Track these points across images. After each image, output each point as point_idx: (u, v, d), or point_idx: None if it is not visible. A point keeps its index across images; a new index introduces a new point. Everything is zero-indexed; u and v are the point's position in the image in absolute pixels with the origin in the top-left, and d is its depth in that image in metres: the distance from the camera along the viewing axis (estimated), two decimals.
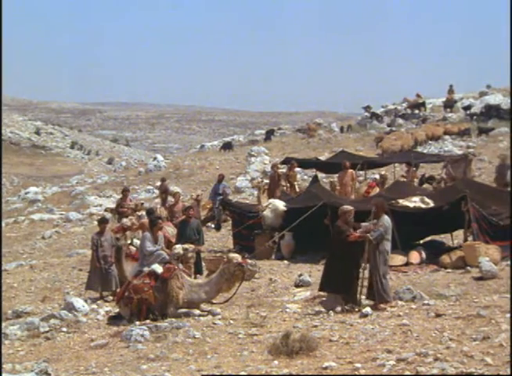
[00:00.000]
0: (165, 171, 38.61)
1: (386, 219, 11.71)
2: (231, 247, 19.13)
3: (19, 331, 11.96)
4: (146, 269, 12.33)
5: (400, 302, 11.53)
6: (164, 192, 24.88)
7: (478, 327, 9.13)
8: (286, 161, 26.38)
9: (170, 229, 15.76)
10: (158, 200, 29.81)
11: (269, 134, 47.05)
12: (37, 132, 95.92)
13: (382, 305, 11.31)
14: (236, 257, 12.25)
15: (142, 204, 22.30)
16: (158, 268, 12.21)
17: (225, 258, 12.38)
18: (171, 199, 22.03)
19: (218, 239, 21.45)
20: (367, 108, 49.60)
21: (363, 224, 11.97)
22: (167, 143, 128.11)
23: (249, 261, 12.23)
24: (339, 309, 11.45)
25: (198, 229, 15.29)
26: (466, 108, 42.27)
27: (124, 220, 17.44)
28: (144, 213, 19.06)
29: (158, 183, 34.16)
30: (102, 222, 15.58)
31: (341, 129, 45.13)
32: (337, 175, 24.50)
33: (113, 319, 12.41)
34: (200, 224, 15.94)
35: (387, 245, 11.67)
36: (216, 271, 12.62)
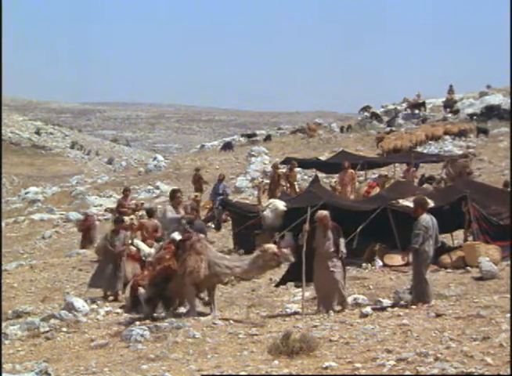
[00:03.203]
0: (165, 171, 38.65)
1: (424, 219, 11.58)
2: (231, 247, 19.12)
3: (20, 331, 11.95)
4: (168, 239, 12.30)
5: (401, 302, 11.55)
6: (198, 181, 25.21)
7: (478, 327, 9.13)
8: (286, 161, 26.44)
9: None
10: (158, 200, 29.87)
11: (252, 136, 47.69)
12: (38, 132, 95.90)
13: (420, 305, 11.20)
14: (272, 247, 12.06)
15: (143, 204, 22.35)
16: (177, 235, 12.14)
17: (261, 248, 12.16)
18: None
19: (218, 239, 21.44)
20: (367, 108, 49.65)
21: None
22: (167, 143, 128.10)
23: (284, 250, 12.05)
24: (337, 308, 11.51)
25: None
26: (455, 112, 42.37)
27: (125, 218, 17.49)
28: (144, 213, 19.12)
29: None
30: (118, 222, 15.69)
31: (341, 129, 45.19)
32: (337, 175, 24.54)
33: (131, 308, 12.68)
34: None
35: (427, 246, 11.55)
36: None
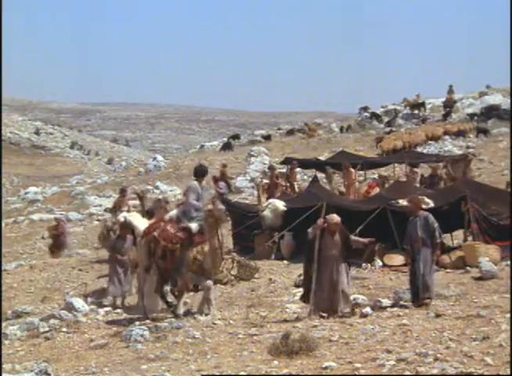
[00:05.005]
0: (165, 171, 38.63)
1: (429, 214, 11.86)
2: (231, 247, 19.10)
3: (19, 331, 11.95)
4: (185, 222, 12.13)
5: (401, 302, 11.55)
6: (223, 178, 25.22)
7: (478, 327, 9.14)
8: (287, 161, 26.43)
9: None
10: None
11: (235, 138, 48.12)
12: (37, 132, 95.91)
13: (425, 302, 11.20)
14: (208, 206, 12.19)
15: (143, 192, 22.20)
16: (195, 227, 12.03)
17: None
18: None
19: None
20: (365, 108, 49.63)
21: (353, 238, 12.00)
22: (166, 143, 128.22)
23: (220, 206, 12.12)
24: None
25: None
26: (446, 115, 42.30)
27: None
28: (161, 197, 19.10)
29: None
30: (125, 226, 15.12)
31: (341, 129, 45.17)
32: (336, 175, 24.55)
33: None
34: None
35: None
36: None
